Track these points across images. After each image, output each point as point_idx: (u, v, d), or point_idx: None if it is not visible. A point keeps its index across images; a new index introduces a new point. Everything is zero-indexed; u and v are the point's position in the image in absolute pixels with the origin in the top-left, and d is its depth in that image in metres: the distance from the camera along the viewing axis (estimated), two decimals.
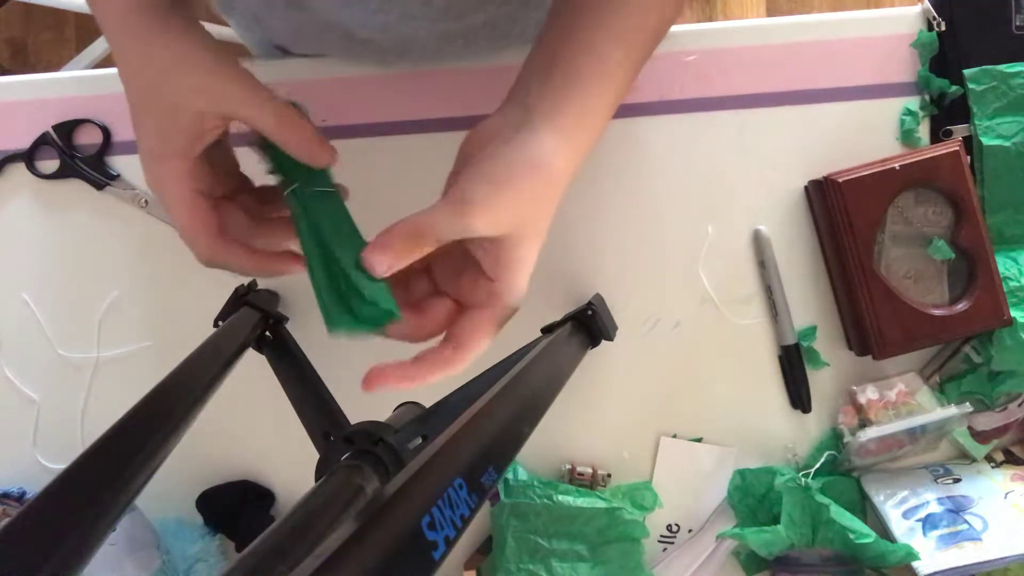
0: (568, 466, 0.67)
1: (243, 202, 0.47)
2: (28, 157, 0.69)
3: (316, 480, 0.41)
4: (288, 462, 0.69)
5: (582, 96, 0.44)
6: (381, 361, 0.70)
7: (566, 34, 0.45)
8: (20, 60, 1.83)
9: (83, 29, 1.79)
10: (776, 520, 0.62)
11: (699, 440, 0.68)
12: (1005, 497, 0.61)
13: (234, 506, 0.68)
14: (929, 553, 0.59)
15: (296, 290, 0.69)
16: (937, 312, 0.63)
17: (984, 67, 0.65)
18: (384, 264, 0.40)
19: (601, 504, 0.64)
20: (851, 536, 0.60)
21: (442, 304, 0.45)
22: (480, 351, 0.43)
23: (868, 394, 0.65)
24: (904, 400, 0.65)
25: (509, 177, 0.41)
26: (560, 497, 0.64)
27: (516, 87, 0.46)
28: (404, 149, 0.68)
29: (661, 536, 0.67)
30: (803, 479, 0.63)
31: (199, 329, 0.55)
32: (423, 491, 0.33)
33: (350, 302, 0.42)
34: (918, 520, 0.62)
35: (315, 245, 0.42)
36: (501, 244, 0.42)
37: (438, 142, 0.68)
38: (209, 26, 0.93)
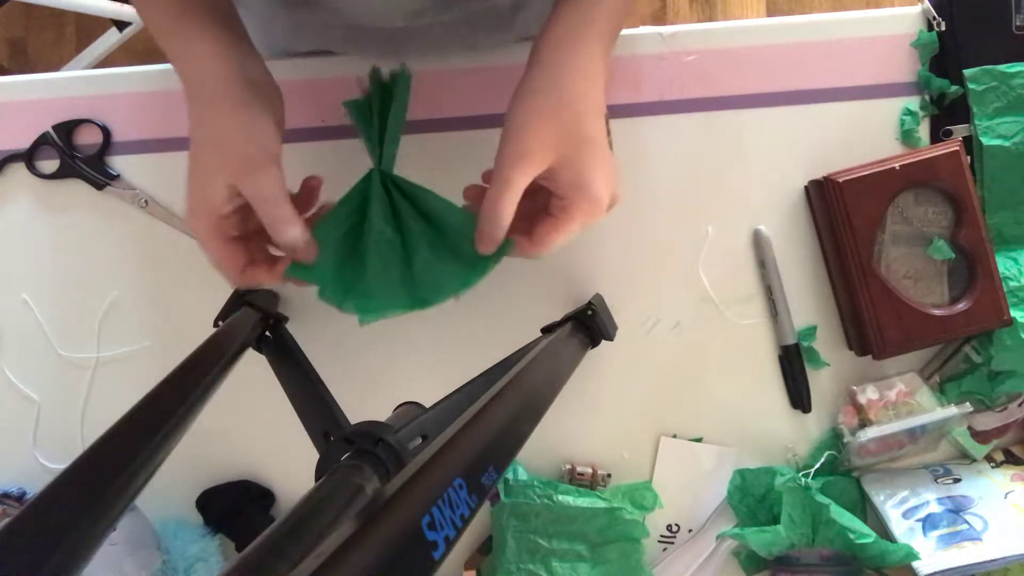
0: (568, 466, 0.67)
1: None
2: (28, 157, 0.69)
3: (316, 480, 0.41)
4: (288, 462, 0.69)
5: (579, 21, 0.50)
6: (379, 365, 0.70)
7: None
8: (20, 60, 1.83)
9: (83, 29, 1.79)
10: (776, 520, 0.62)
11: (699, 440, 0.68)
12: (1005, 497, 0.61)
13: (234, 506, 0.68)
14: (929, 553, 0.59)
15: (296, 290, 0.69)
16: (937, 312, 0.63)
17: (984, 67, 0.65)
18: (491, 249, 0.50)
19: (601, 504, 0.64)
20: (851, 536, 0.60)
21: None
22: (552, 243, 0.50)
23: (868, 394, 0.65)
24: (904, 400, 0.65)
25: (525, 121, 0.48)
26: (560, 497, 0.64)
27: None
28: (405, 149, 0.68)
29: (661, 536, 0.67)
30: (803, 479, 0.63)
31: (199, 329, 0.55)
32: (423, 491, 0.33)
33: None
34: (918, 520, 0.62)
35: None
36: (554, 173, 0.48)
37: (440, 142, 0.68)
38: None
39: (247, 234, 0.51)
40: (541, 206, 0.51)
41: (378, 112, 0.53)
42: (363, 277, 0.51)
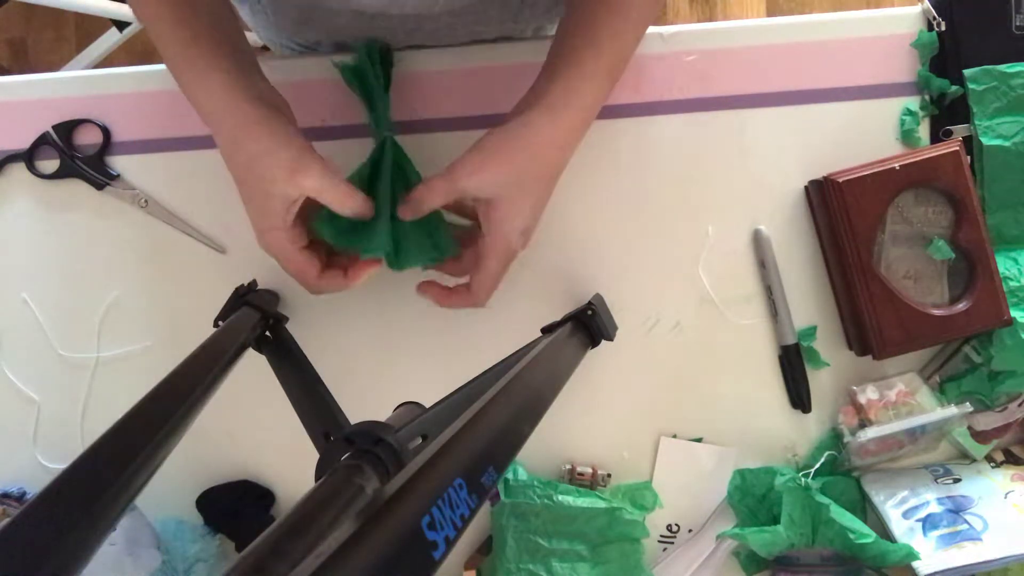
0: (568, 466, 0.67)
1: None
2: (28, 157, 0.69)
3: (316, 480, 0.41)
4: (288, 462, 0.69)
5: (569, 90, 0.54)
6: (379, 365, 0.70)
7: (564, 40, 0.56)
8: (20, 60, 1.83)
9: (83, 29, 1.79)
10: (776, 520, 0.62)
11: (699, 440, 0.68)
12: (1005, 497, 0.61)
13: (234, 506, 0.68)
14: (929, 553, 0.59)
15: (296, 290, 0.69)
16: (937, 312, 0.63)
17: (984, 67, 0.65)
18: (408, 215, 0.56)
19: (601, 504, 0.64)
20: (851, 536, 0.60)
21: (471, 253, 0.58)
22: (485, 289, 0.56)
23: (868, 394, 0.65)
24: (904, 400, 0.65)
25: (495, 149, 0.53)
26: (560, 497, 0.64)
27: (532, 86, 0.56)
28: (406, 148, 0.68)
29: (661, 536, 0.67)
30: (803, 479, 0.63)
31: (199, 329, 0.55)
32: (423, 491, 0.33)
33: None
34: (918, 520, 0.62)
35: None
36: (490, 204, 0.53)
37: (440, 141, 0.68)
38: None
39: (313, 241, 0.56)
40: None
41: (374, 79, 0.63)
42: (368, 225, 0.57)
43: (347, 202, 0.53)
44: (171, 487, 0.67)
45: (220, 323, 0.61)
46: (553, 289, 0.68)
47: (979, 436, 0.65)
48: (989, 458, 0.66)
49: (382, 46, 0.66)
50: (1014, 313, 0.62)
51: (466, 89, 0.68)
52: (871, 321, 0.62)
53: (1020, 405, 0.64)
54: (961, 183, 0.62)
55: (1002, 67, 0.64)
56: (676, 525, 0.67)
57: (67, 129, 0.69)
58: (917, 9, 0.68)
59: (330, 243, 0.56)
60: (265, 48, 1.45)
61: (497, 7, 0.67)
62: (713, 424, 0.68)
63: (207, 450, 0.68)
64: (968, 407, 0.63)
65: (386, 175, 0.58)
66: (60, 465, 0.56)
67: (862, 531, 0.60)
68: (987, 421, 0.65)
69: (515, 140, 0.53)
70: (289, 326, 0.63)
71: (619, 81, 0.67)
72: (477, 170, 0.53)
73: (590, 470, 0.67)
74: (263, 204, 0.53)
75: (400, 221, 0.57)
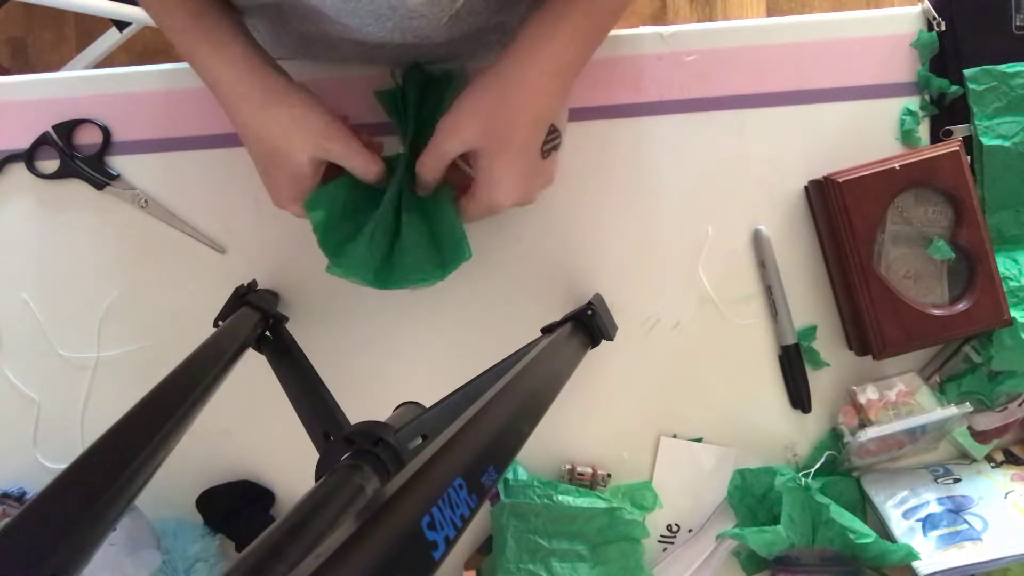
0: (568, 466, 0.67)
1: None
2: (28, 157, 0.69)
3: (316, 480, 0.41)
4: (288, 462, 0.69)
5: (538, 37, 0.54)
6: (379, 365, 0.70)
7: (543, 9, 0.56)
8: (20, 60, 1.83)
9: (83, 29, 1.79)
10: (776, 520, 0.62)
11: (699, 440, 0.68)
12: (1005, 497, 0.61)
13: (234, 506, 0.68)
14: (929, 553, 0.59)
15: (296, 290, 0.69)
16: (937, 312, 0.63)
17: (984, 67, 0.65)
18: (422, 191, 0.59)
19: (601, 504, 0.64)
20: (851, 536, 0.60)
21: None
22: (465, 212, 0.59)
23: (868, 394, 0.65)
24: (904, 400, 0.65)
25: (467, 105, 0.55)
26: (560, 497, 0.64)
27: None
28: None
29: (661, 536, 0.67)
30: (803, 479, 0.63)
31: (199, 329, 0.55)
32: (423, 491, 0.33)
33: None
34: (918, 520, 0.62)
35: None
36: (476, 156, 0.56)
37: None
38: None
39: None
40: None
41: (414, 102, 0.63)
42: (352, 240, 0.58)
43: (372, 168, 0.57)
44: (171, 487, 0.67)
45: (220, 323, 0.61)
46: (553, 289, 0.68)
47: (979, 436, 0.65)
48: (989, 458, 0.66)
49: (417, 74, 0.65)
50: (1014, 313, 0.62)
51: None
52: (871, 321, 0.62)
53: (1020, 405, 0.64)
54: (961, 183, 0.62)
55: (1002, 67, 0.64)
56: (676, 525, 0.68)
57: (67, 129, 0.69)
58: (917, 9, 0.68)
59: (319, 236, 0.58)
60: None
61: (496, 34, 0.67)
62: (713, 424, 0.68)
63: (207, 450, 0.68)
64: (968, 407, 0.63)
65: (392, 188, 0.59)
66: (60, 465, 0.56)
67: (862, 531, 0.60)
68: (987, 421, 0.65)
69: (486, 92, 0.54)
70: (289, 326, 0.63)
71: (619, 81, 0.68)
72: (454, 129, 0.55)
73: (590, 470, 0.67)
74: (293, 170, 0.55)
75: (399, 230, 0.58)
